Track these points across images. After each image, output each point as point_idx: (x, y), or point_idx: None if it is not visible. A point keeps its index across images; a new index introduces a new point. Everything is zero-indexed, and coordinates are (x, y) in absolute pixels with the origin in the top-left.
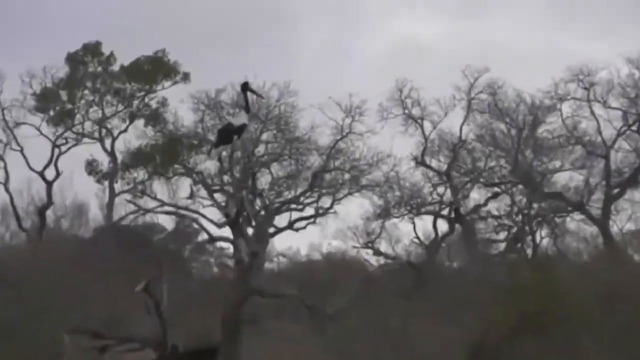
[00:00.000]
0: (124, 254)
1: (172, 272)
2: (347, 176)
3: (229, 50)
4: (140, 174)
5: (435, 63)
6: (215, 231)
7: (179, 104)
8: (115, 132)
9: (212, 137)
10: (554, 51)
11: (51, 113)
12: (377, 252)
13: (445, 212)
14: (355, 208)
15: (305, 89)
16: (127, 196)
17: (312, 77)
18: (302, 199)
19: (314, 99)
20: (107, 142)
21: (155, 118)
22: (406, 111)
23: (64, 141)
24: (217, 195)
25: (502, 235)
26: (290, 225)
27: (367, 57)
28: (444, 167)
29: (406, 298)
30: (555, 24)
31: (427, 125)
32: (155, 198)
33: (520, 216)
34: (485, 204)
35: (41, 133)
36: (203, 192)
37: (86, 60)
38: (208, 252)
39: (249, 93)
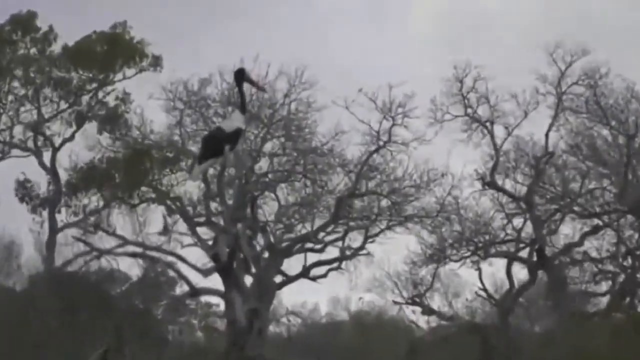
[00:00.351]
0: (71, 311)
1: (139, 337)
2: (385, 203)
3: (215, 25)
4: (93, 200)
5: (510, 43)
6: (199, 281)
7: (147, 101)
8: (57, 141)
9: (194, 148)
10: None
11: None
12: (428, 310)
13: (524, 253)
14: (396, 248)
15: (326, 78)
16: (75, 231)
17: (335, 62)
18: (321, 235)
19: (337, 93)
20: (46, 155)
21: (113, 121)
22: (469, 111)
23: None
24: (201, 231)
25: (605, 286)
26: (305, 273)
27: (412, 33)
28: (523, 190)
29: None
30: None
31: (498, 130)
32: (114, 234)
33: (629, 259)
34: (580, 243)
35: None
36: (182, 226)
37: (15, 39)
38: (189, 310)
39: (245, 84)
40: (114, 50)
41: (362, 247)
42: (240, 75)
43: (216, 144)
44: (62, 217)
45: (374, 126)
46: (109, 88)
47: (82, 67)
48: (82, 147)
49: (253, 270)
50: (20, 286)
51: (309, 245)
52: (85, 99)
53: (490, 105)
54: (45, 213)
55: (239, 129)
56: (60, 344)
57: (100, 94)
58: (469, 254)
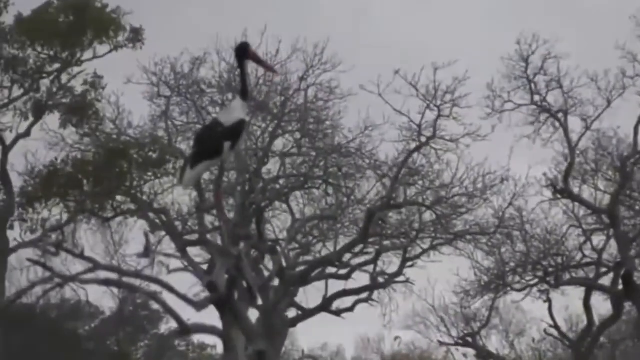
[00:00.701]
0: (26, 356)
1: None
2: (428, 216)
3: None
4: (55, 212)
5: (589, 10)
6: (191, 315)
7: (124, 87)
8: (9, 138)
9: (185, 147)
10: None
11: None
12: (484, 354)
13: (606, 280)
14: (443, 274)
15: (353, 56)
16: (31, 253)
17: (364, 35)
18: (347, 257)
19: (368, 76)
20: None
21: (80, 112)
22: (537, 98)
23: None
24: (193, 252)
25: None
26: (325, 305)
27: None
28: (606, 199)
29: None
30: None
31: (574, 123)
32: (81, 256)
33: None
34: None
35: None
36: (169, 246)
37: None
38: (178, 352)
39: (249, 64)
40: (81, 22)
41: (399, 273)
42: (243, 52)
43: (213, 141)
44: (15, 234)
45: (415, 118)
46: (75, 70)
47: (40, 43)
48: (42, 145)
49: (259, 302)
50: None
51: (331, 270)
52: (44, 83)
53: (564, 91)
54: None
55: (242, 121)
56: None
57: (64, 78)
58: (536, 281)
